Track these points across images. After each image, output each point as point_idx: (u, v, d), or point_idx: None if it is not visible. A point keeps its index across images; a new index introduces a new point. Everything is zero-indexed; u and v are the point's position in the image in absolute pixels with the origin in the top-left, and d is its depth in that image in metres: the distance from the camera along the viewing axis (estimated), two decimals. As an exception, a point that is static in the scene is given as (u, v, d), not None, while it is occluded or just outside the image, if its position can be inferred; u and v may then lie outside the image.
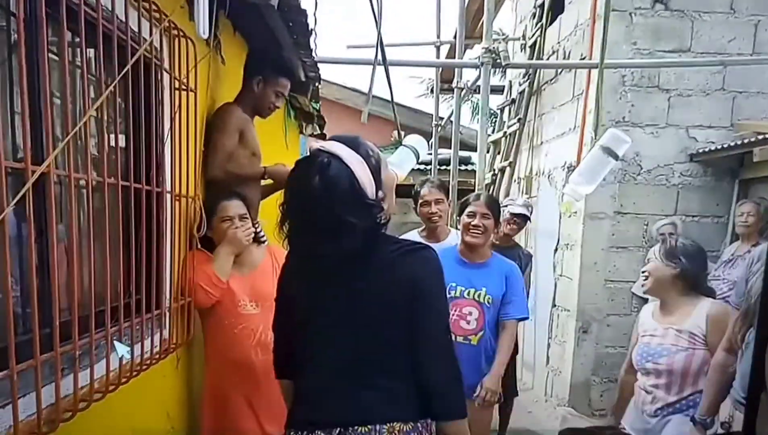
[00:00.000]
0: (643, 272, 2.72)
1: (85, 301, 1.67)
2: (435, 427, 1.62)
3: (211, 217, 2.56)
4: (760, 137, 4.06)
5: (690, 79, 4.73)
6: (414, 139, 3.61)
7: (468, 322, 2.91)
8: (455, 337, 2.82)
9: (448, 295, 2.82)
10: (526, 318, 3.16)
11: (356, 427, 1.52)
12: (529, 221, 4.25)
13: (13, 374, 1.32)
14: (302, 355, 1.65)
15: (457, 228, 3.13)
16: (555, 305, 5.59)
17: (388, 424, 1.53)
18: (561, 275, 5.47)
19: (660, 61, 4.65)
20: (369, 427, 1.52)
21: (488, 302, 2.94)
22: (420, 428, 1.57)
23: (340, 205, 1.46)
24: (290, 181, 1.57)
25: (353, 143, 1.55)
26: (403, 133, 3.95)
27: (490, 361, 2.96)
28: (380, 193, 1.55)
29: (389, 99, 4.34)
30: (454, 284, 2.93)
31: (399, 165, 3.44)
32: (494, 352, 2.98)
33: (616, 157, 3.31)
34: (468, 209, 3.02)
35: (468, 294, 2.93)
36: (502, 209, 3.90)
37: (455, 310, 2.92)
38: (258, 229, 2.83)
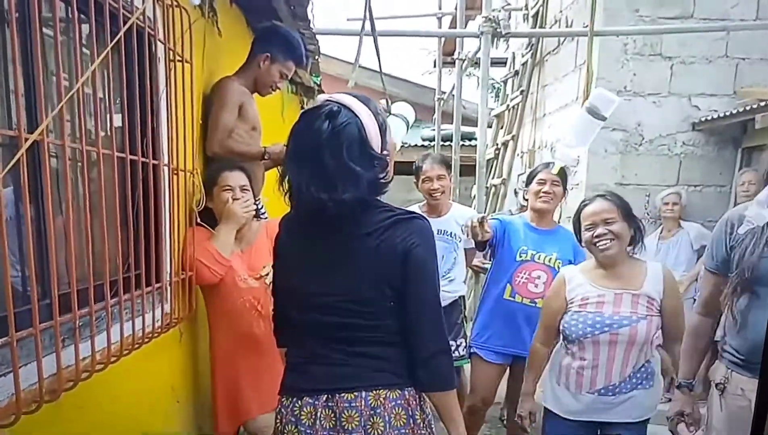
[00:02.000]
0: (602, 236, 2.35)
1: (84, 273, 1.67)
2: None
3: (212, 187, 2.55)
4: (763, 104, 4.01)
5: (692, 46, 4.68)
6: (402, 108, 3.56)
7: (536, 286, 3.02)
8: (522, 299, 3.00)
9: (518, 258, 3.04)
10: None
11: (342, 394, 1.53)
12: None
13: (12, 341, 1.32)
14: (295, 321, 1.65)
15: (525, 202, 3.21)
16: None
17: (374, 391, 1.53)
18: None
19: (661, 28, 4.60)
20: (355, 393, 1.52)
21: (558, 266, 3.01)
22: (407, 395, 1.57)
23: (347, 152, 1.46)
24: (296, 129, 1.55)
25: (363, 98, 1.55)
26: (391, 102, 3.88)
27: None
28: (385, 152, 1.55)
29: (395, 75, 4.28)
30: (525, 248, 3.06)
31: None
32: None
33: (603, 117, 3.26)
34: (538, 177, 3.12)
35: (539, 258, 3.04)
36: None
37: (524, 274, 3.04)
38: (259, 205, 2.83)
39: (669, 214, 4.57)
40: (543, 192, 3.08)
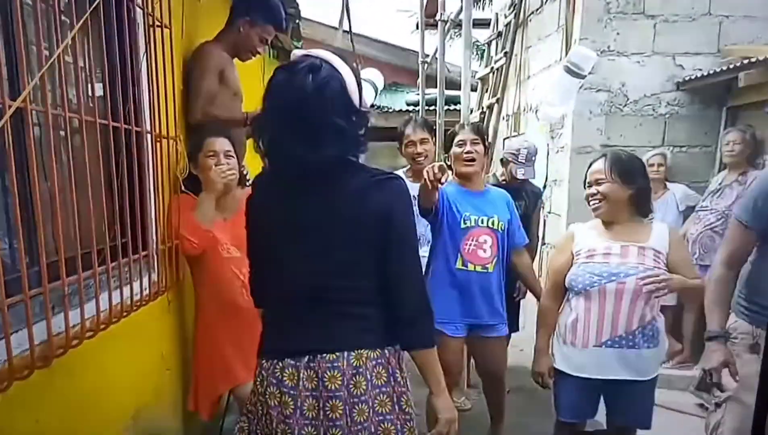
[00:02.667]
0: (592, 195, 2.42)
1: (71, 241, 1.66)
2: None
3: (196, 153, 2.53)
4: (746, 62, 4.01)
5: (676, 4, 4.63)
6: (371, 73, 3.52)
7: (485, 251, 2.91)
8: (474, 267, 2.88)
9: (463, 225, 2.89)
10: (529, 243, 3.24)
11: (325, 355, 1.54)
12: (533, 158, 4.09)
13: (3, 308, 1.33)
14: (273, 283, 1.65)
15: (448, 165, 3.10)
16: (545, 243, 5.60)
17: (356, 351, 1.55)
18: (550, 212, 5.46)
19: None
20: (337, 354, 1.54)
21: (501, 229, 2.94)
22: (387, 354, 1.60)
23: (330, 106, 1.45)
24: (275, 84, 1.52)
25: (341, 55, 1.55)
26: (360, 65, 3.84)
27: (501, 289, 3.02)
28: (365, 110, 1.55)
29: (371, 36, 4.23)
30: (467, 214, 2.90)
31: None
32: (502, 279, 3.03)
33: (582, 75, 3.25)
34: (457, 139, 2.98)
35: (482, 222, 2.92)
36: (504, 155, 3.87)
37: (472, 240, 2.90)
38: (245, 172, 2.81)
39: (654, 175, 4.54)
40: (465, 153, 2.92)
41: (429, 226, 3.05)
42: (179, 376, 2.71)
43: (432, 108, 7.30)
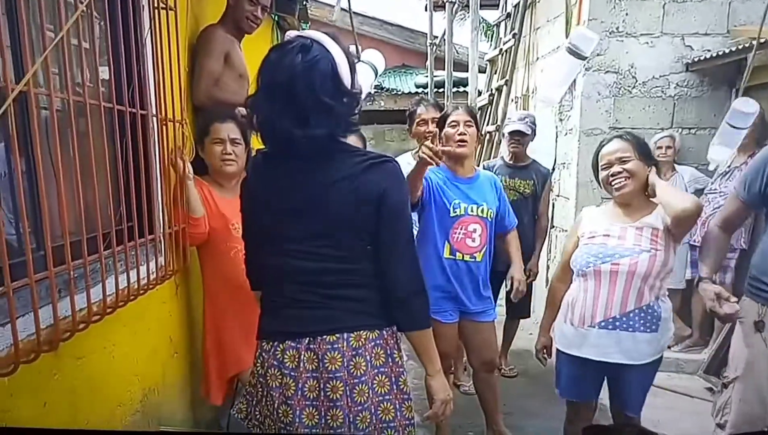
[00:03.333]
0: (617, 175, 2.37)
1: (77, 225, 1.67)
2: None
3: (203, 138, 2.54)
4: (756, 42, 3.96)
5: (685, -16, 4.59)
6: (372, 55, 3.49)
7: (473, 240, 2.87)
8: (462, 257, 2.85)
9: (452, 213, 2.84)
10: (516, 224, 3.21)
11: (324, 336, 1.57)
12: (529, 135, 4.06)
13: (9, 291, 1.33)
14: (270, 265, 1.67)
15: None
16: (553, 226, 5.58)
17: (356, 332, 1.58)
18: (558, 195, 5.44)
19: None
20: (337, 335, 1.57)
21: (490, 217, 2.90)
22: (385, 335, 1.64)
23: (320, 86, 1.46)
24: (266, 63, 1.54)
25: (333, 35, 1.55)
26: (360, 48, 3.82)
27: (486, 277, 2.98)
28: (355, 89, 1.55)
29: (381, 18, 4.21)
30: (457, 202, 2.86)
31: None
32: (489, 266, 2.99)
33: (583, 57, 3.23)
34: (450, 120, 2.90)
35: (471, 211, 2.87)
36: (503, 131, 3.85)
37: (461, 229, 2.86)
38: (253, 154, 2.81)
39: (663, 157, 4.53)
40: (458, 134, 2.84)
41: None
42: (187, 360, 2.72)
43: (441, 90, 7.27)
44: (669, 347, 2.54)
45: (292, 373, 1.58)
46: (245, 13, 2.84)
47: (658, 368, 2.48)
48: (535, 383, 4.20)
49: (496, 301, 4.21)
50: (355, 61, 1.60)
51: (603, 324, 2.39)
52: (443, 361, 3.07)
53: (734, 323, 2.40)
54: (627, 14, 4.62)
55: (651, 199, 2.42)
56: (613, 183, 2.39)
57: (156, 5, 2.25)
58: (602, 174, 2.44)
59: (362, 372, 1.58)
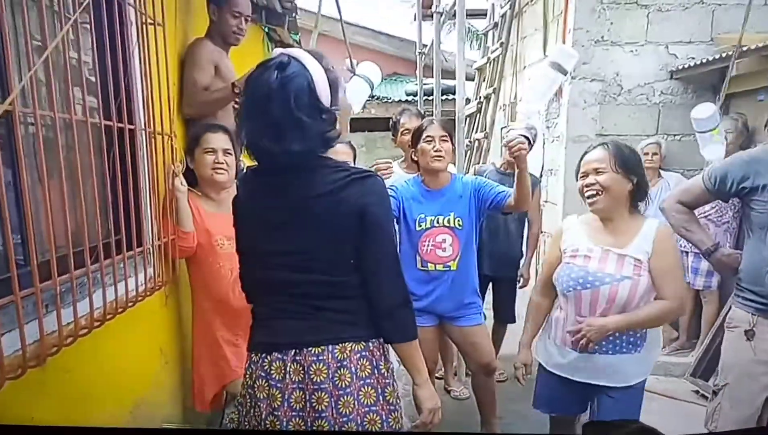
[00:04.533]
0: (590, 186, 2.26)
1: (64, 239, 1.69)
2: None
3: (194, 148, 2.55)
4: (735, 51, 4.02)
5: (669, -7, 4.66)
6: (368, 68, 3.46)
7: (444, 250, 2.91)
8: (434, 267, 2.88)
9: (418, 227, 2.89)
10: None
11: (310, 348, 1.60)
12: (530, 145, 4.10)
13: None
14: (259, 279, 1.70)
15: (413, 160, 3.08)
16: (542, 232, 5.62)
17: (340, 344, 1.61)
18: (546, 201, 5.48)
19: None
20: (322, 347, 1.60)
21: (459, 225, 2.91)
22: (371, 347, 1.66)
23: (295, 103, 1.49)
24: (248, 80, 1.59)
25: (315, 54, 1.58)
26: (355, 61, 3.82)
27: (469, 283, 3.00)
28: (335, 107, 1.57)
29: (378, 30, 4.23)
30: (423, 216, 2.91)
31: (350, 97, 3.27)
32: (474, 269, 3.02)
33: (564, 72, 3.26)
34: (425, 135, 2.92)
35: (438, 222, 2.91)
36: (502, 135, 3.88)
37: (428, 241, 2.91)
38: (242, 166, 2.83)
39: (649, 164, 4.56)
40: (434, 150, 2.87)
41: None
42: (178, 369, 2.73)
43: (430, 98, 7.31)
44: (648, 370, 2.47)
45: (278, 385, 1.61)
46: (229, 27, 2.86)
47: (644, 388, 2.39)
48: (525, 387, 4.22)
49: (514, 308, 4.27)
50: (338, 76, 1.62)
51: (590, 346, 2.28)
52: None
53: (721, 328, 2.44)
54: (612, 23, 4.67)
55: (636, 212, 2.31)
56: (586, 195, 2.29)
57: (144, 21, 2.27)
58: (579, 183, 2.34)
59: (347, 383, 1.60)
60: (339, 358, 1.60)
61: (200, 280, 2.59)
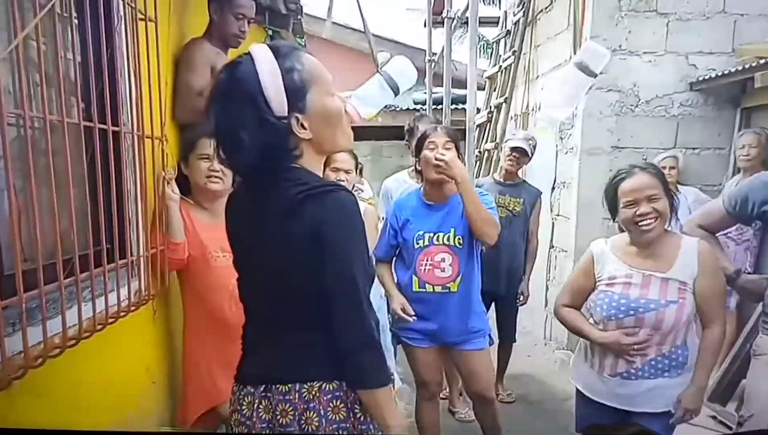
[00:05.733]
0: (645, 215, 2.13)
1: (47, 248, 1.58)
2: None
3: (188, 153, 2.42)
4: (762, 62, 3.88)
5: (689, 2, 4.55)
6: (395, 66, 3.11)
7: (443, 270, 2.72)
8: (433, 289, 2.71)
9: (416, 245, 2.72)
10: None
11: (278, 386, 1.42)
12: (528, 156, 4.00)
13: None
14: (242, 300, 1.57)
15: (417, 171, 2.92)
16: (553, 246, 5.50)
17: (308, 384, 1.41)
18: (558, 215, 5.37)
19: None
20: (289, 386, 1.41)
21: (459, 244, 2.72)
22: (345, 386, 1.43)
23: (235, 112, 1.34)
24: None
25: (282, 50, 1.39)
26: (388, 54, 3.55)
27: (471, 306, 2.80)
28: (297, 116, 1.37)
29: (386, 37, 4.10)
30: (421, 232, 2.74)
31: (364, 100, 3.01)
32: (478, 287, 2.83)
33: (594, 74, 3.03)
34: (428, 141, 2.75)
35: (437, 239, 2.73)
36: (502, 145, 3.75)
37: (427, 260, 2.73)
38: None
39: (666, 178, 4.43)
40: (436, 158, 2.65)
41: None
42: (165, 390, 2.58)
43: (439, 107, 7.20)
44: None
45: (248, 422, 1.45)
46: (230, 29, 2.74)
47: None
48: (535, 408, 4.11)
49: (515, 328, 4.15)
50: (307, 75, 1.40)
51: (625, 374, 2.22)
52: (425, 389, 2.99)
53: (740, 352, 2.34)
54: (630, 32, 4.57)
55: (665, 232, 2.22)
56: (641, 224, 2.14)
57: (134, 16, 2.14)
58: (626, 212, 2.17)
59: (314, 428, 1.40)
60: (306, 398, 1.40)
61: (193, 295, 2.46)
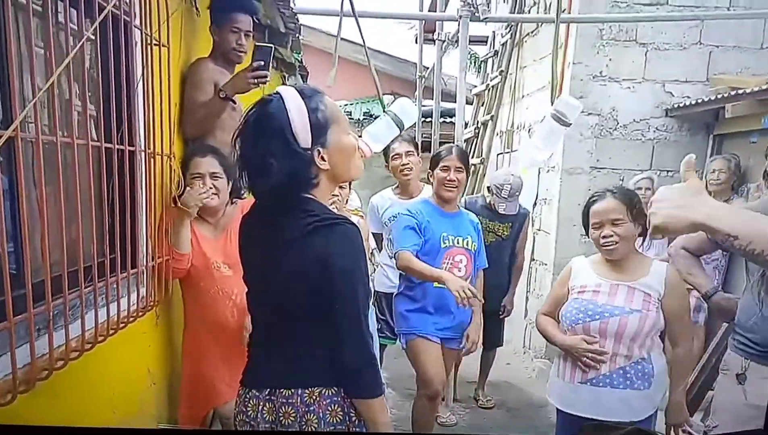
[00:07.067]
0: (608, 237, 2.32)
1: (59, 261, 1.68)
2: None
3: (185, 173, 2.53)
4: (733, 93, 4.09)
5: (667, 33, 4.75)
6: (399, 106, 3.35)
7: (459, 270, 3.03)
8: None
9: (443, 245, 2.98)
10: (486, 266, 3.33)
11: (282, 390, 1.59)
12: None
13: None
14: (250, 310, 1.75)
15: (429, 181, 3.20)
16: (534, 259, 5.67)
17: (309, 389, 1.58)
18: (539, 230, 5.53)
19: (633, 16, 4.68)
20: (292, 390, 1.58)
21: (473, 249, 3.06)
22: (343, 393, 1.61)
23: (265, 142, 1.51)
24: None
25: (307, 92, 1.58)
26: (392, 97, 3.78)
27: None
28: (318, 149, 1.55)
29: (379, 50, 4.24)
30: (446, 234, 3.03)
31: (374, 137, 3.25)
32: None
33: (568, 124, 3.31)
34: (441, 164, 3.06)
35: (458, 242, 3.04)
36: (493, 186, 3.95)
37: (449, 259, 3.02)
38: (239, 184, 2.81)
39: (641, 198, 4.62)
40: (447, 180, 3.02)
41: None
42: (165, 390, 2.72)
43: (429, 120, 7.38)
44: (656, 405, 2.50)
45: (252, 422, 1.62)
46: (229, 44, 2.85)
47: (654, 424, 2.43)
48: (512, 414, 4.24)
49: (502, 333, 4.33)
50: (330, 116, 1.58)
51: (594, 381, 2.35)
52: (429, 387, 3.16)
53: (706, 365, 2.46)
54: (610, 60, 4.77)
55: (637, 254, 2.40)
56: (603, 245, 2.34)
57: (149, 42, 2.28)
58: (593, 233, 2.37)
59: (313, 428, 1.58)
60: (307, 402, 1.58)
61: (194, 302, 2.59)
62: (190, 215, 2.47)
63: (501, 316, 4.27)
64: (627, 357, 2.32)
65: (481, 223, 3.40)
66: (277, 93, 1.55)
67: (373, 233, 3.78)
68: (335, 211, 3.02)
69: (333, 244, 1.53)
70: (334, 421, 1.60)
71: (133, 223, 2.18)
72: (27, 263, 1.53)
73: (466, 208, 3.49)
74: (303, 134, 1.52)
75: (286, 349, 1.62)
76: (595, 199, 2.39)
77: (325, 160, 1.56)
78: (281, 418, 1.58)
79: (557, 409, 2.53)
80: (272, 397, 1.60)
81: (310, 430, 1.57)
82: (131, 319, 2.18)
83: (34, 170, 1.60)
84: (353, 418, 1.63)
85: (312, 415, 1.58)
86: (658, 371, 2.36)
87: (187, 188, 2.46)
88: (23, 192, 1.50)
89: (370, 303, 1.71)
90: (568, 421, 2.46)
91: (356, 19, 3.52)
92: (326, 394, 1.59)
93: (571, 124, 3.44)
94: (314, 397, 1.58)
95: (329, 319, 1.55)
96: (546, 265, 5.30)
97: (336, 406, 1.60)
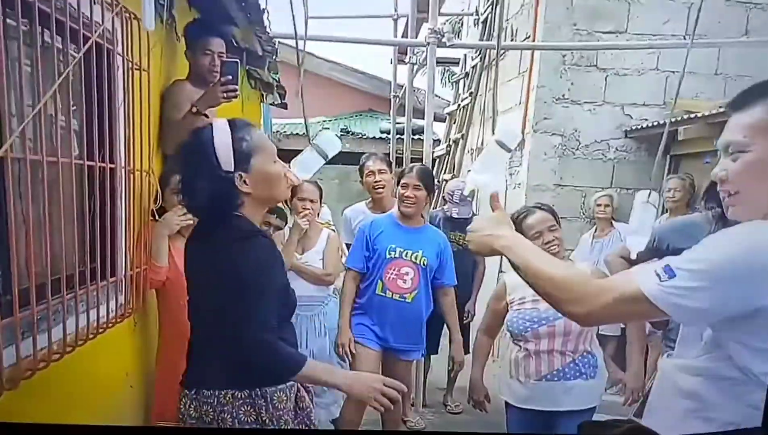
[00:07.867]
0: (552, 242, 2.57)
1: (43, 270, 1.81)
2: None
3: (164, 188, 2.66)
4: (686, 117, 4.32)
5: (626, 59, 4.99)
6: (324, 139, 3.59)
7: (404, 281, 3.18)
8: (392, 295, 3.15)
9: (387, 256, 3.15)
10: (455, 284, 3.46)
11: (203, 391, 1.76)
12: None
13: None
14: (190, 322, 1.93)
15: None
16: (501, 271, 5.82)
17: (224, 391, 1.74)
18: (507, 243, 5.69)
19: (597, 44, 4.91)
20: (210, 391, 1.74)
21: (423, 264, 3.20)
22: (254, 396, 1.75)
23: (192, 165, 1.74)
24: None
25: (238, 123, 1.77)
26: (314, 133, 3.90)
27: (427, 318, 3.28)
28: (240, 174, 1.72)
29: (356, 68, 4.38)
30: (393, 246, 3.19)
31: (301, 166, 3.45)
32: (428, 309, 3.28)
33: (509, 150, 3.56)
34: (402, 181, 3.25)
35: (406, 255, 3.18)
36: (444, 196, 4.14)
37: (394, 270, 3.18)
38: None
39: (602, 214, 4.84)
40: (405, 196, 3.20)
41: None
42: (142, 392, 2.81)
43: (402, 136, 7.58)
44: (606, 390, 2.79)
45: (182, 418, 1.81)
46: (203, 66, 2.96)
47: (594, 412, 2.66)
48: (479, 419, 4.33)
49: (439, 341, 4.44)
50: (256, 146, 1.76)
51: (549, 377, 2.58)
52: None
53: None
54: (572, 83, 5.00)
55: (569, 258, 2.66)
56: (550, 249, 2.52)
57: (130, 67, 2.41)
58: (535, 242, 2.50)
59: (228, 426, 1.73)
60: (222, 402, 1.73)
61: (168, 311, 2.73)
62: (171, 230, 2.63)
63: (465, 321, 4.41)
64: (575, 351, 2.57)
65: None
66: (210, 124, 1.75)
67: (346, 244, 3.94)
68: (307, 223, 3.24)
69: (239, 257, 1.71)
70: (248, 420, 1.75)
71: (113, 234, 2.30)
72: (14, 271, 1.65)
73: (430, 223, 3.66)
74: (225, 160, 1.70)
75: (207, 351, 1.80)
76: (526, 214, 2.64)
77: (247, 184, 1.74)
78: (203, 416, 1.74)
79: (507, 404, 2.76)
80: (197, 397, 1.76)
81: (224, 426, 1.73)
82: (110, 324, 2.30)
83: (20, 186, 1.74)
84: (264, 418, 1.76)
85: (226, 414, 1.73)
86: (600, 362, 2.65)
87: (173, 204, 2.62)
88: (11, 206, 1.62)
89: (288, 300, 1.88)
90: (520, 415, 2.68)
91: (304, 44, 3.69)
92: (238, 396, 1.74)
93: (511, 150, 3.68)
94: (228, 399, 1.73)
95: (237, 323, 1.69)
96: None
97: (248, 407, 1.75)
